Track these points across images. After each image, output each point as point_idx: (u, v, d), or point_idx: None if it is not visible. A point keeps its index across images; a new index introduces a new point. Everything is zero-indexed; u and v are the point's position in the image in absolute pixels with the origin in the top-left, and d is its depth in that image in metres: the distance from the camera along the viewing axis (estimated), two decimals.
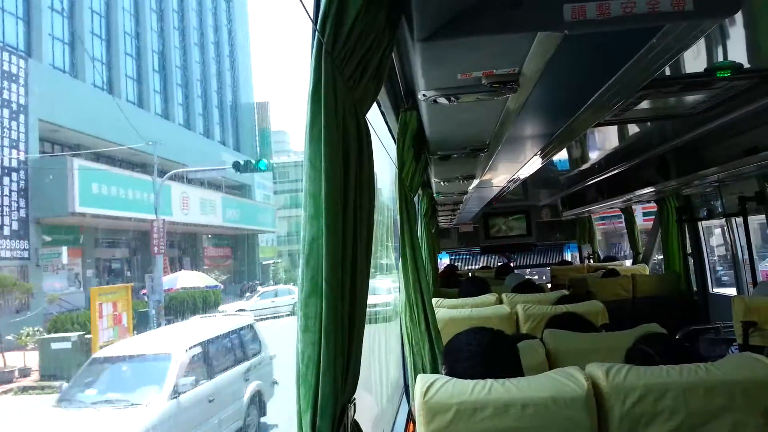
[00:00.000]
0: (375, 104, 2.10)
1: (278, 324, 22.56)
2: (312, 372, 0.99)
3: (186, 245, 36.05)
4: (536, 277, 9.06)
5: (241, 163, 21.42)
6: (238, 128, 45.98)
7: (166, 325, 18.76)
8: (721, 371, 1.73)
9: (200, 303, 26.64)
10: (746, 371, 1.73)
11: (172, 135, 31.57)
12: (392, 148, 2.50)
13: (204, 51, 41.59)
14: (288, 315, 26.28)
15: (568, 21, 1.17)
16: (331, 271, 0.98)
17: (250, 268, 42.16)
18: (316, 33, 0.95)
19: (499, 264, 8.81)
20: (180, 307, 25.00)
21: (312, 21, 0.97)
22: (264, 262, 44.92)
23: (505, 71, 1.50)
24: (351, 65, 1.03)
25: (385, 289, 6.69)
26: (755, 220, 4.74)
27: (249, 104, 48.65)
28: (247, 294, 31.23)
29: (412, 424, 3.21)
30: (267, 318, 24.87)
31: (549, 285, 6.80)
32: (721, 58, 2.28)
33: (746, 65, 2.34)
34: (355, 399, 1.15)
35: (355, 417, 1.17)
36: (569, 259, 9.40)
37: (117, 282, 25.62)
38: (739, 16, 1.85)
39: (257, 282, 37.90)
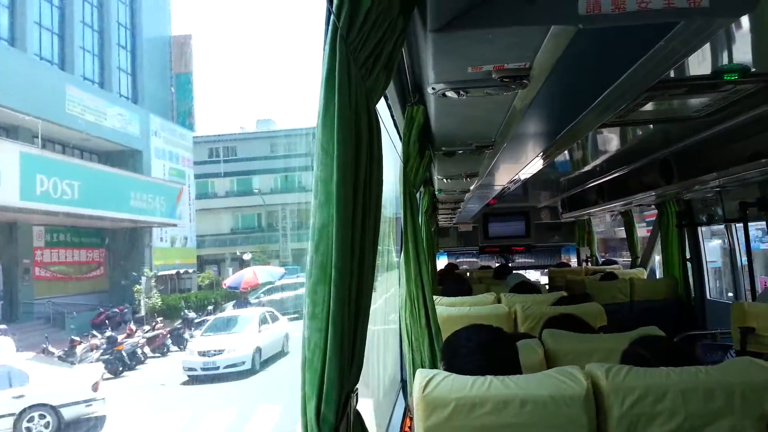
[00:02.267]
0: (382, 97, 2.09)
1: None
2: (318, 358, 0.99)
3: None
4: (540, 277, 9.04)
5: None
6: (135, 66, 29.56)
7: None
8: (720, 374, 1.73)
9: None
10: (746, 375, 1.74)
11: None
12: (397, 143, 2.50)
13: None
14: None
15: (582, 15, 1.16)
16: (341, 257, 0.98)
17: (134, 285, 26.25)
18: (332, 16, 0.95)
19: (497, 264, 8.82)
20: None
21: (328, 2, 0.96)
22: (162, 273, 28.25)
23: (516, 65, 1.49)
24: (364, 53, 1.03)
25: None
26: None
27: (160, 38, 31.99)
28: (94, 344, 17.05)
29: (408, 419, 3.22)
30: None
31: (546, 286, 6.81)
32: (727, 61, 2.28)
33: (753, 69, 2.34)
34: (357, 389, 1.15)
35: (357, 407, 1.17)
36: (568, 262, 9.41)
37: None
38: (746, 19, 1.85)
39: (125, 309, 23.12)
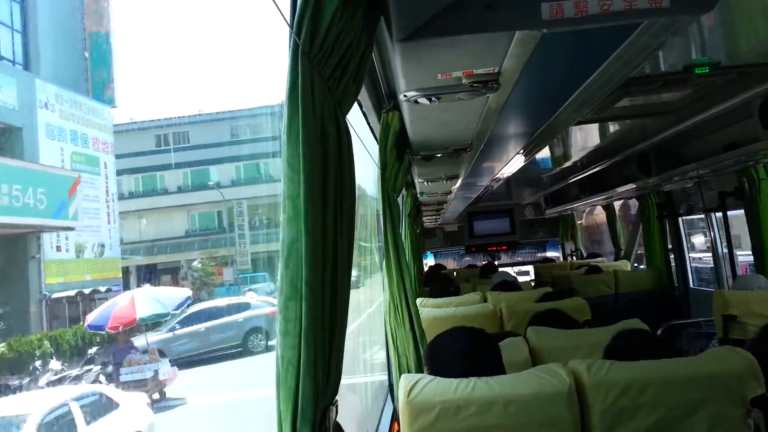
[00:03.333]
0: (357, 105, 2.10)
1: None
2: (292, 375, 0.98)
3: None
4: (527, 275, 9.06)
5: None
6: (26, 20, 21.30)
7: None
8: (701, 364, 1.76)
9: None
10: (725, 364, 1.76)
11: None
12: (375, 148, 2.51)
13: None
14: None
15: (546, 19, 1.18)
16: (311, 273, 0.98)
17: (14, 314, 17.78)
18: (292, 35, 0.95)
19: (484, 263, 8.85)
20: None
21: (288, 23, 0.97)
22: (58, 295, 19.38)
23: (485, 71, 1.51)
24: (330, 66, 1.03)
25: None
26: None
27: None
28: None
29: (396, 424, 3.22)
30: None
31: (533, 283, 6.85)
32: (698, 55, 2.32)
33: (723, 62, 2.38)
34: (337, 401, 1.15)
35: (337, 419, 1.17)
36: (553, 257, 9.46)
37: None
38: (715, 13, 1.88)
39: None
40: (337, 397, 1.14)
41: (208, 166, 35.94)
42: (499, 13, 1.18)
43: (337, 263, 1.07)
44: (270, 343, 18.08)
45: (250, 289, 26.07)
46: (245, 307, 19.58)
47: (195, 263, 31.02)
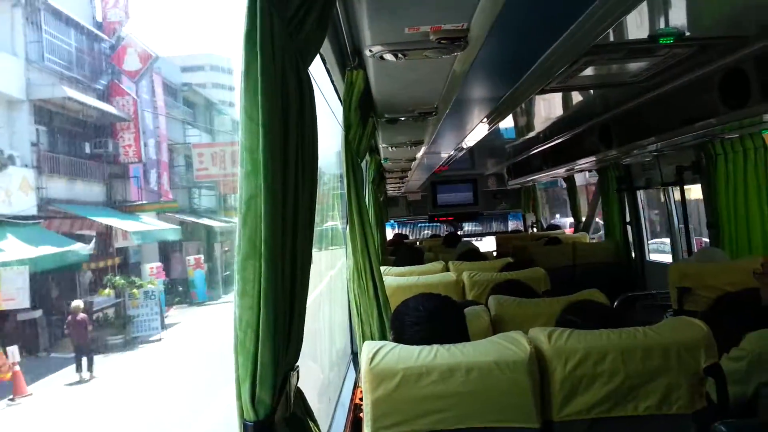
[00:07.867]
0: (320, 61, 2.01)
1: None
2: (250, 339, 0.93)
3: None
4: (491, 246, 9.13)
5: None
6: None
7: None
8: (658, 334, 1.78)
9: None
10: (681, 334, 1.79)
11: None
12: (338, 109, 2.43)
13: None
14: None
15: None
16: (270, 231, 0.92)
17: None
18: None
19: (447, 233, 8.90)
20: None
21: None
22: None
23: (454, 26, 1.45)
24: (291, 7, 0.95)
25: None
26: None
27: None
28: None
29: (359, 391, 3.21)
30: None
31: (494, 253, 6.92)
32: (663, 25, 2.30)
33: (687, 33, 2.37)
34: (298, 367, 1.11)
35: (298, 385, 1.13)
36: (520, 228, 9.57)
37: None
38: None
39: None
40: (298, 363, 1.10)
41: None
42: None
43: (298, 223, 1.01)
44: None
45: None
46: None
47: None
